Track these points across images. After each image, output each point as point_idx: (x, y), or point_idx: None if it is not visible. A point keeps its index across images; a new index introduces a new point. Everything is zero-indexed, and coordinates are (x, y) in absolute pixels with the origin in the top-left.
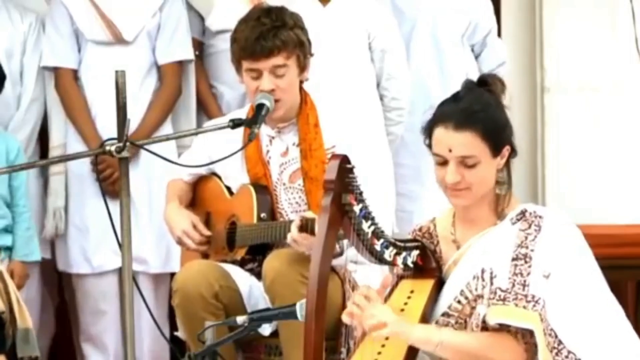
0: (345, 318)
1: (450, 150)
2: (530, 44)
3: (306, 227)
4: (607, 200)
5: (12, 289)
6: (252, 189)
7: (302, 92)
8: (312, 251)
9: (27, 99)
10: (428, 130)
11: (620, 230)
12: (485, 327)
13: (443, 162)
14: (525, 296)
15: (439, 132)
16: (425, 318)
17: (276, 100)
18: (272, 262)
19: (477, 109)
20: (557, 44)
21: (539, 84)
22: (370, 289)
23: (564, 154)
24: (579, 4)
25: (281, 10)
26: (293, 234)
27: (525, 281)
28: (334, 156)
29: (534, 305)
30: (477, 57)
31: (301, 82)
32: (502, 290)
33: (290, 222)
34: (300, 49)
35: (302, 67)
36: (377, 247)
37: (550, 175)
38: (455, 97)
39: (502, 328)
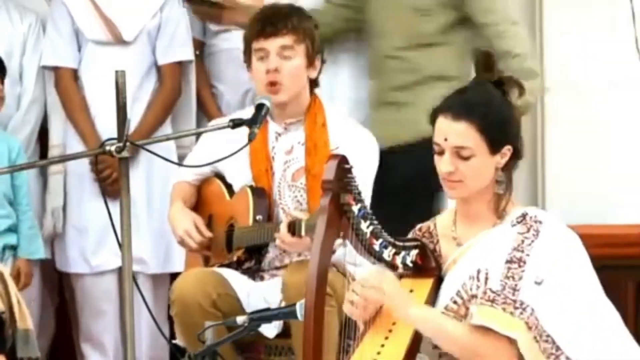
0: (346, 307)
1: (445, 139)
2: (530, 44)
3: (293, 228)
4: (607, 200)
5: (13, 290)
6: (249, 191)
7: (313, 95)
8: (313, 251)
9: (27, 100)
10: (432, 121)
11: (620, 230)
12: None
13: (440, 152)
14: (514, 301)
15: (439, 121)
16: None
17: (275, 83)
18: (294, 276)
19: (477, 102)
20: (557, 44)
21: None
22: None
23: (564, 154)
24: (579, 4)
25: (299, 7)
26: (282, 234)
27: (516, 285)
28: (332, 156)
29: (521, 313)
30: None
31: (311, 81)
32: (492, 292)
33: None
34: (311, 42)
35: (310, 61)
36: (376, 247)
37: (550, 175)
38: (461, 89)
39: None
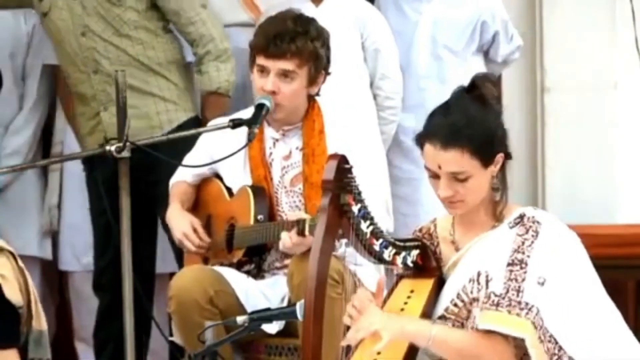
0: (346, 320)
1: (440, 167)
2: (531, 44)
3: (297, 228)
4: (607, 200)
5: (32, 288)
6: (250, 191)
7: (311, 100)
8: (312, 251)
9: (30, 101)
10: (419, 143)
11: (620, 230)
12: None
13: (435, 176)
14: (519, 303)
15: (428, 149)
16: (426, 317)
17: (275, 104)
18: (299, 265)
19: (463, 125)
20: (557, 44)
21: (539, 84)
22: (366, 292)
23: (564, 154)
24: (579, 4)
25: (310, 20)
26: (291, 236)
27: (519, 287)
28: (332, 156)
29: (527, 313)
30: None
31: (309, 95)
32: (495, 295)
33: (285, 222)
34: (315, 62)
35: (312, 81)
36: (376, 247)
37: (550, 175)
38: (444, 109)
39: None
